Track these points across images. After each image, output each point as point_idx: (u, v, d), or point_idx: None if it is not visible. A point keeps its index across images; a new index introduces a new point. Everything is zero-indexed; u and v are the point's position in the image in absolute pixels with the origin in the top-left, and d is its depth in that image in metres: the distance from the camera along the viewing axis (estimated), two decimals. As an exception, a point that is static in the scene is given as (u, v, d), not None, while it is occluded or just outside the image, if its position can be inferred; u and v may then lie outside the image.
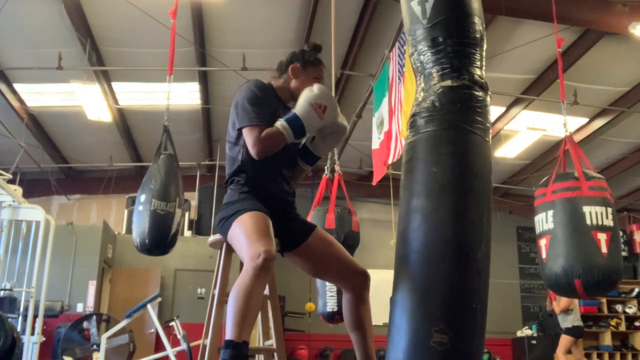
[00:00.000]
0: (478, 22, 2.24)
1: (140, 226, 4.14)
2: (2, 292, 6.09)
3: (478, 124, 2.16)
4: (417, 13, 2.24)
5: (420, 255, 2.06)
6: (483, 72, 2.25)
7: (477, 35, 2.22)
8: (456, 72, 2.18)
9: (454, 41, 2.19)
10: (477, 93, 2.18)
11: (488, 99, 2.24)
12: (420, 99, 2.25)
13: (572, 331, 7.74)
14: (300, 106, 2.26)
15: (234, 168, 2.38)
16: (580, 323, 7.80)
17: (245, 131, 2.27)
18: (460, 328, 1.97)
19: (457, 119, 2.14)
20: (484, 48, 2.28)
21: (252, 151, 2.24)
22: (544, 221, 3.58)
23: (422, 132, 2.18)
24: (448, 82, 2.17)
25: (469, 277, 2.02)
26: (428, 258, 2.04)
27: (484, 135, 2.18)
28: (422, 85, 2.27)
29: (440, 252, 2.03)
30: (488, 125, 2.21)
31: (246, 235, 2.10)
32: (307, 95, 2.27)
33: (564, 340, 7.79)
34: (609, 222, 3.44)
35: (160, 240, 4.16)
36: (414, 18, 2.27)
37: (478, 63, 2.23)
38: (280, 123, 2.24)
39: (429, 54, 2.23)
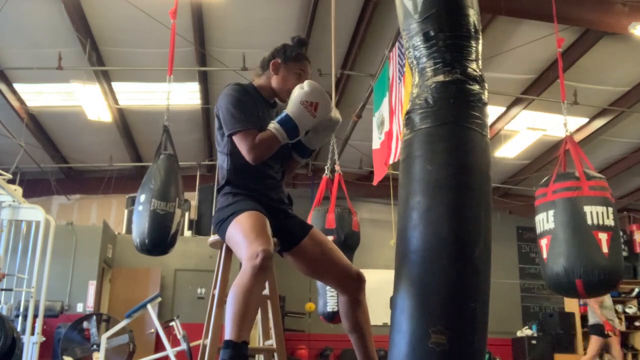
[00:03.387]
0: (472, 14, 2.17)
1: (140, 226, 4.15)
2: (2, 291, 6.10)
3: (474, 119, 2.10)
4: (409, 7, 2.20)
5: (417, 255, 2.03)
6: (479, 65, 2.18)
7: (471, 28, 2.16)
8: (448, 66, 2.12)
9: (445, 35, 2.13)
10: (471, 87, 2.12)
11: (485, 92, 2.17)
12: (414, 96, 2.20)
13: None
14: (292, 106, 2.20)
15: (223, 177, 2.34)
16: None
17: (237, 138, 2.21)
18: (459, 328, 1.93)
19: (451, 114, 2.09)
20: (480, 41, 2.21)
21: (249, 157, 2.19)
22: (544, 221, 3.57)
23: (417, 130, 2.15)
24: (440, 77, 2.12)
25: (466, 275, 1.98)
26: (425, 257, 2.01)
27: (481, 130, 2.12)
28: (417, 81, 2.22)
29: (437, 251, 2.00)
30: (485, 119, 2.15)
31: (244, 235, 2.08)
32: (298, 94, 2.20)
33: None
34: (610, 222, 3.43)
35: (159, 240, 4.16)
36: (406, 13, 2.23)
37: (472, 56, 2.16)
38: (273, 126, 2.19)
39: (422, 48, 2.17)
